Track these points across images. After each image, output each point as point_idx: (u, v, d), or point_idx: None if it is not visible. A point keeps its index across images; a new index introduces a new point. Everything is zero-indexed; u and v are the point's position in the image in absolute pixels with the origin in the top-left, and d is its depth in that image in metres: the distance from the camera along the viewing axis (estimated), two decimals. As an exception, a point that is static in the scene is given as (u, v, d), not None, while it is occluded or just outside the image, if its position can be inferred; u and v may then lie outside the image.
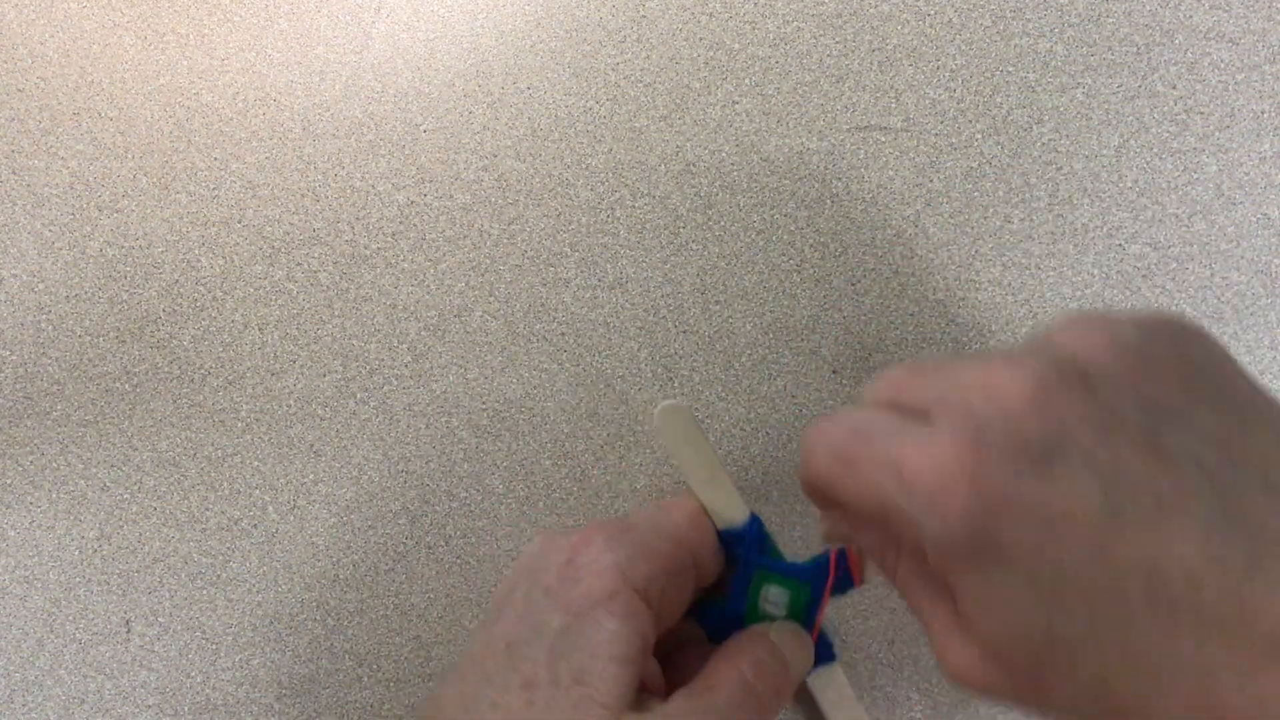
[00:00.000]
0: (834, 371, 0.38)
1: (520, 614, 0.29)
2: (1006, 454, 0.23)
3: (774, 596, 0.32)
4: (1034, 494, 0.22)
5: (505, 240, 0.39)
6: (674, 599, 0.30)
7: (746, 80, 0.39)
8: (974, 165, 0.39)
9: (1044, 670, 0.23)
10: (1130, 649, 0.22)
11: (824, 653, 0.33)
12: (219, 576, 0.38)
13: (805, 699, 0.34)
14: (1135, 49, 0.39)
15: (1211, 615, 0.21)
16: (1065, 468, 0.22)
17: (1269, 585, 0.21)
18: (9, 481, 0.38)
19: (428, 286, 0.38)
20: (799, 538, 0.37)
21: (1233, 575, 0.21)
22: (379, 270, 0.38)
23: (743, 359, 0.38)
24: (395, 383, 0.38)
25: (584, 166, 0.39)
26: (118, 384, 0.38)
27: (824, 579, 0.32)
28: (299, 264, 0.39)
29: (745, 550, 0.32)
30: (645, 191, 0.39)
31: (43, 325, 0.38)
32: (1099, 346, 0.24)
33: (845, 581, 0.32)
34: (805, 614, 0.32)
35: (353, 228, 0.39)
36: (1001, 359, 0.24)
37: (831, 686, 0.33)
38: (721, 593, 0.33)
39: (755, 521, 0.33)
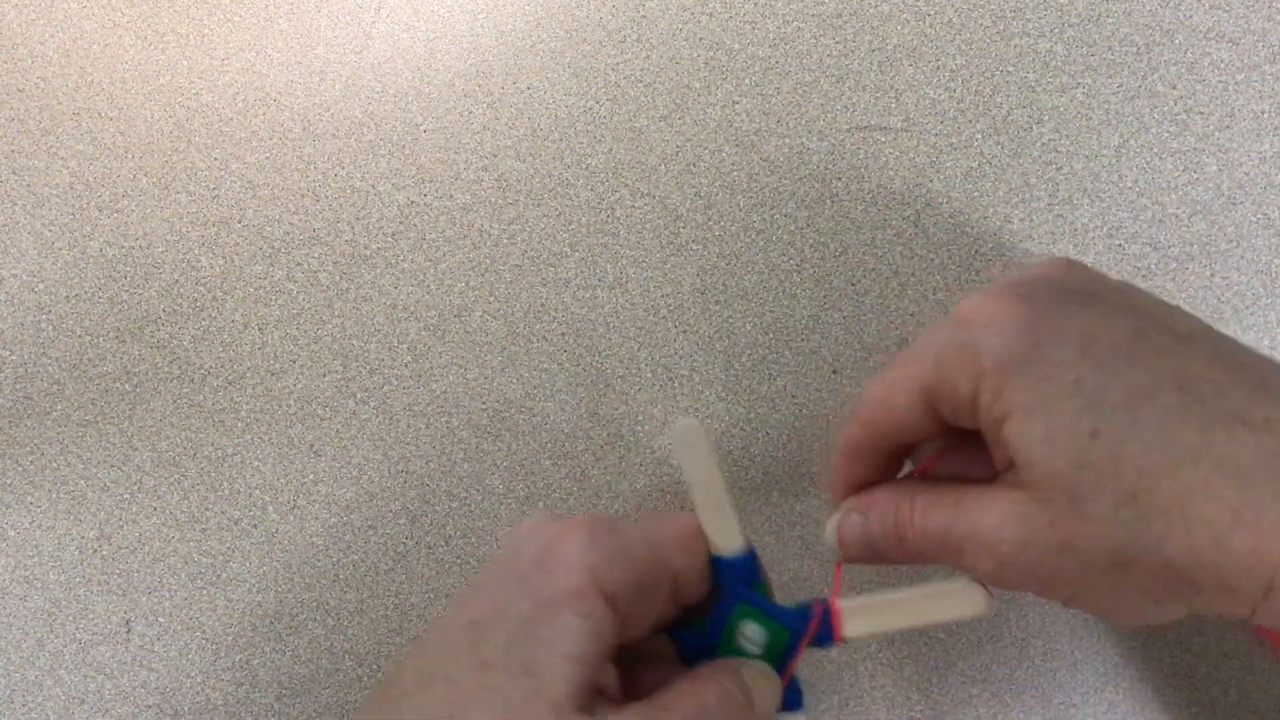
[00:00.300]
0: (834, 371, 0.38)
1: (491, 595, 0.29)
2: (1049, 291, 0.27)
3: (751, 633, 0.32)
4: (1074, 316, 0.27)
5: (505, 240, 0.39)
6: (645, 611, 0.30)
7: (746, 80, 0.39)
8: (974, 165, 0.39)
9: (1086, 477, 0.25)
10: (1170, 447, 0.24)
11: (792, 700, 0.32)
12: (219, 576, 0.38)
13: None
14: (1135, 49, 0.39)
15: (1240, 416, 0.24)
16: (1099, 305, 0.27)
17: None
18: (9, 481, 0.38)
19: (428, 286, 0.38)
20: (798, 538, 0.37)
21: (1252, 390, 0.25)
22: (379, 270, 0.38)
23: (743, 359, 0.38)
24: (395, 383, 0.38)
25: (584, 166, 0.39)
26: (118, 384, 0.38)
27: (804, 628, 0.31)
28: (299, 264, 0.39)
29: (733, 582, 0.32)
30: (645, 191, 0.39)
31: (43, 325, 0.38)
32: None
33: (825, 635, 0.31)
34: (779, 658, 0.32)
35: (353, 228, 0.39)
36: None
37: None
38: (701, 617, 0.32)
39: (750, 556, 0.32)
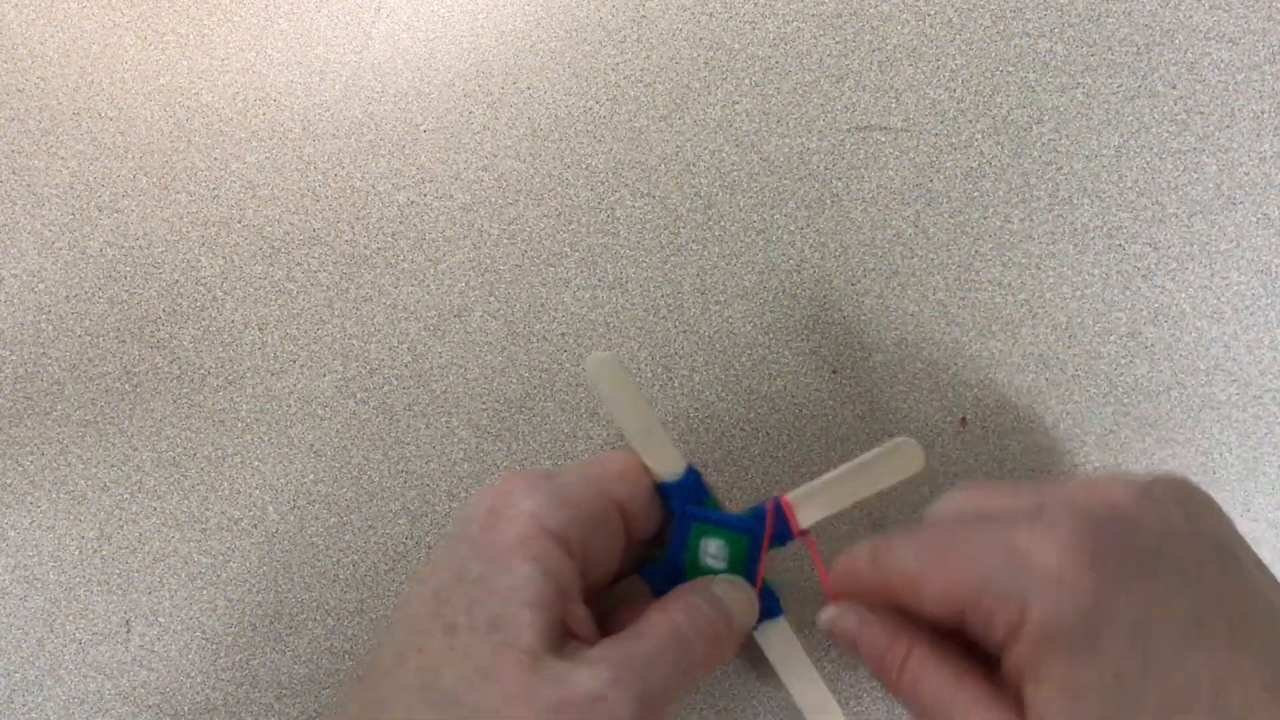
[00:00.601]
0: (834, 371, 0.38)
1: (446, 563, 0.29)
2: (1120, 550, 0.25)
3: (713, 549, 0.32)
4: (1139, 592, 0.25)
5: (505, 240, 0.39)
6: (601, 548, 0.31)
7: (746, 80, 0.39)
8: (974, 165, 0.39)
9: None
10: None
11: (771, 607, 0.33)
12: (219, 576, 0.38)
13: (755, 654, 0.34)
14: (1135, 49, 0.39)
15: None
16: (1165, 572, 0.25)
17: None
18: (9, 481, 0.38)
19: (428, 286, 0.38)
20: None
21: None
22: (379, 270, 0.38)
23: (743, 359, 0.38)
24: (395, 383, 0.38)
25: (584, 166, 0.39)
26: (118, 384, 0.38)
27: (761, 530, 0.32)
28: (299, 264, 0.39)
29: (681, 502, 0.32)
30: (645, 191, 0.39)
31: (43, 325, 0.38)
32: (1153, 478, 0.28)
33: (784, 532, 0.32)
34: (745, 566, 0.32)
35: (353, 228, 0.39)
36: (1095, 478, 0.27)
37: (778, 640, 0.33)
38: (662, 546, 0.33)
39: (692, 473, 0.33)
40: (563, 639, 0.28)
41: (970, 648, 0.28)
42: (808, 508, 0.32)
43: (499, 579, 0.28)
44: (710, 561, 0.32)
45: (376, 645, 0.30)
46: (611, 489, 0.31)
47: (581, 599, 0.30)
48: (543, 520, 0.29)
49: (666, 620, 0.29)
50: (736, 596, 0.31)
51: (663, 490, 0.33)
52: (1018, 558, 0.26)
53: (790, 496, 0.33)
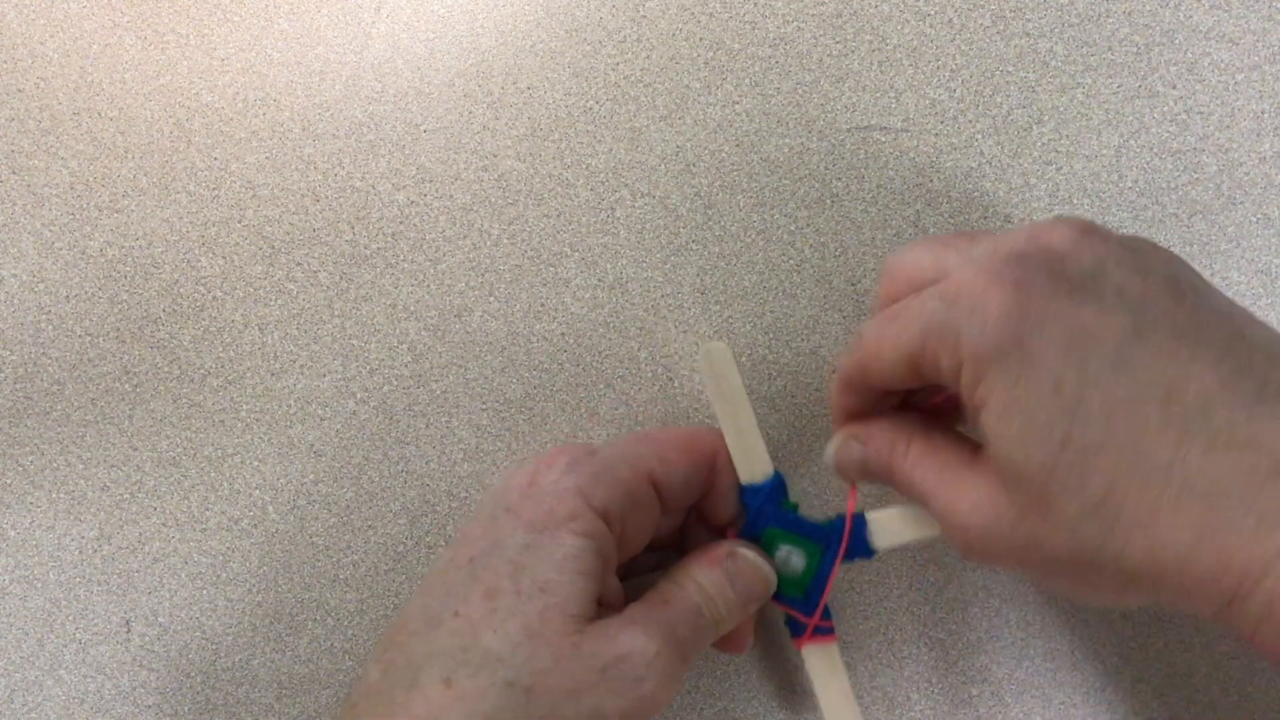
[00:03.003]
0: (834, 371, 0.38)
1: (483, 532, 0.30)
2: (1046, 274, 0.25)
3: (787, 555, 0.32)
4: (1067, 308, 0.25)
5: (505, 240, 0.39)
6: (636, 525, 0.31)
7: (746, 80, 0.39)
8: (974, 165, 0.39)
9: (1055, 483, 0.24)
10: (1142, 460, 0.24)
11: (826, 628, 0.33)
12: (219, 576, 0.38)
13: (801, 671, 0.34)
14: (1135, 49, 0.39)
15: (1222, 435, 0.23)
16: (1098, 294, 0.25)
17: (1274, 415, 0.23)
18: (9, 481, 0.38)
19: (428, 286, 0.38)
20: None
21: (1241, 404, 0.23)
22: (379, 270, 0.38)
23: (743, 359, 0.38)
24: (395, 383, 0.38)
25: (584, 166, 0.39)
26: (118, 384, 0.38)
27: (838, 542, 0.32)
28: (299, 264, 0.39)
29: (760, 507, 0.32)
30: (645, 191, 0.39)
31: (43, 325, 0.38)
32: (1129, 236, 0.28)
33: (861, 547, 0.32)
34: (817, 575, 0.32)
35: (353, 228, 0.39)
36: (1043, 220, 0.28)
37: (825, 665, 0.33)
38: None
39: (778, 479, 0.33)
40: (599, 609, 0.29)
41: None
42: (887, 529, 0.32)
43: (548, 548, 0.28)
44: (783, 568, 0.32)
45: (398, 615, 0.30)
46: (651, 468, 0.31)
47: (614, 572, 0.31)
48: (588, 496, 0.29)
49: (686, 592, 0.30)
50: (750, 573, 0.32)
51: (744, 491, 0.33)
52: (950, 292, 0.26)
53: (871, 516, 0.32)
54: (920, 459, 0.29)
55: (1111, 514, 0.24)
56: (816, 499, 0.38)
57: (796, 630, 0.33)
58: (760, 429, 0.33)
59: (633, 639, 0.28)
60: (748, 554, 0.32)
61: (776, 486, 0.33)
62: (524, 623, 0.27)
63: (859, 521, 0.32)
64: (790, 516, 0.33)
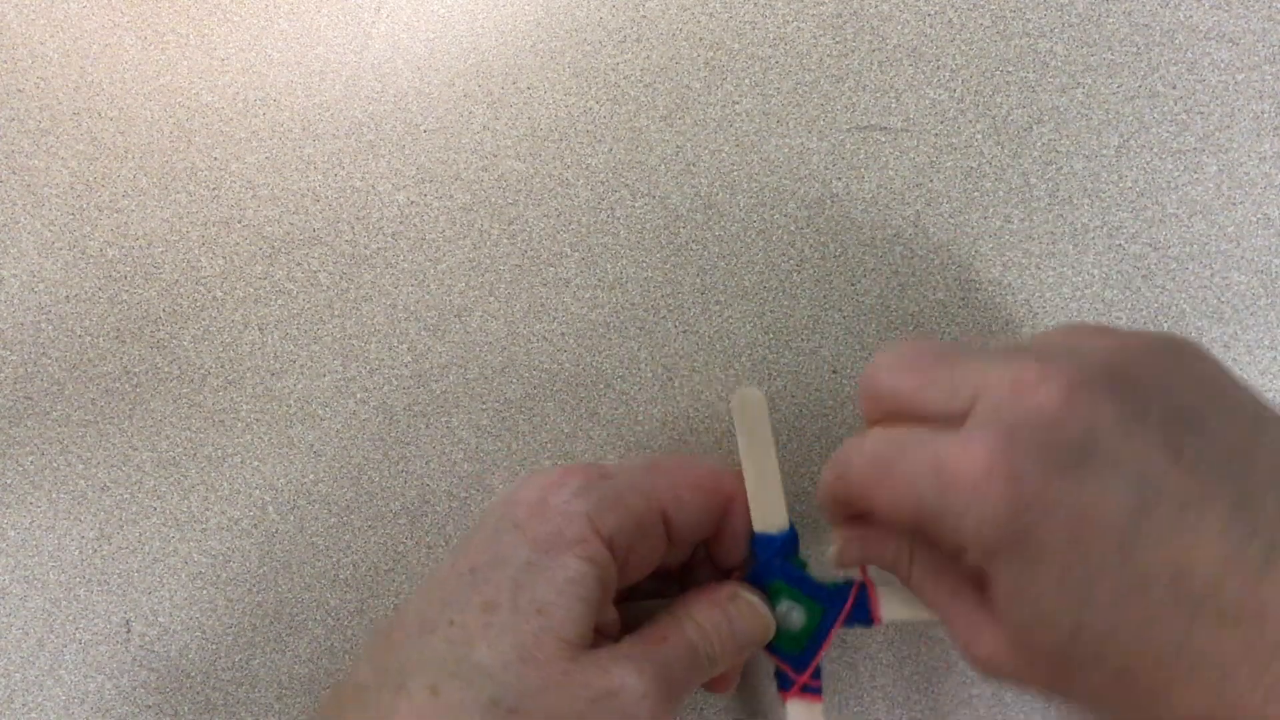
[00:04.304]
0: (834, 371, 0.38)
1: (487, 543, 0.30)
2: (1040, 455, 0.25)
3: (788, 610, 0.32)
4: (1067, 494, 0.24)
5: (505, 240, 0.39)
6: (641, 555, 0.31)
7: (746, 80, 0.39)
8: (974, 165, 0.39)
9: (1070, 660, 0.25)
10: (1154, 642, 0.24)
11: (815, 688, 0.32)
12: (219, 576, 0.38)
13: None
14: (1135, 49, 0.39)
15: (1230, 611, 0.23)
16: (1096, 470, 0.24)
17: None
18: (9, 481, 0.38)
19: (428, 286, 0.38)
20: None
21: (1249, 575, 0.23)
22: (379, 270, 0.38)
23: (743, 359, 0.38)
24: (395, 383, 0.38)
25: (584, 166, 0.39)
26: (118, 384, 0.38)
27: (840, 606, 0.32)
28: (299, 264, 0.39)
29: (769, 558, 0.32)
30: (645, 191, 0.39)
31: (43, 325, 0.38)
32: (1118, 351, 0.26)
33: (863, 615, 0.32)
34: (814, 635, 0.32)
35: (353, 228, 0.39)
36: (1028, 360, 0.26)
37: None
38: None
39: (791, 533, 0.32)
40: (595, 636, 0.29)
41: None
42: (893, 602, 0.32)
43: (551, 569, 0.28)
44: (782, 621, 0.32)
45: (394, 614, 0.30)
46: (662, 502, 0.31)
47: (612, 601, 0.30)
48: (596, 521, 0.29)
49: (684, 631, 0.30)
50: (751, 618, 0.31)
51: (757, 539, 0.32)
52: (945, 476, 0.26)
53: (882, 588, 0.32)
54: (926, 579, 0.29)
55: (1128, 686, 0.25)
56: (817, 498, 0.38)
57: (784, 683, 0.33)
58: (784, 482, 0.33)
59: (625, 675, 0.27)
60: (752, 599, 0.32)
61: (789, 540, 0.32)
62: (517, 641, 0.27)
63: (863, 592, 0.32)
64: (797, 573, 0.32)
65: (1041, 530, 0.24)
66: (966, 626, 0.28)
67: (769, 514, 0.32)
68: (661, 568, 0.33)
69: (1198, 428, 0.25)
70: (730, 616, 0.31)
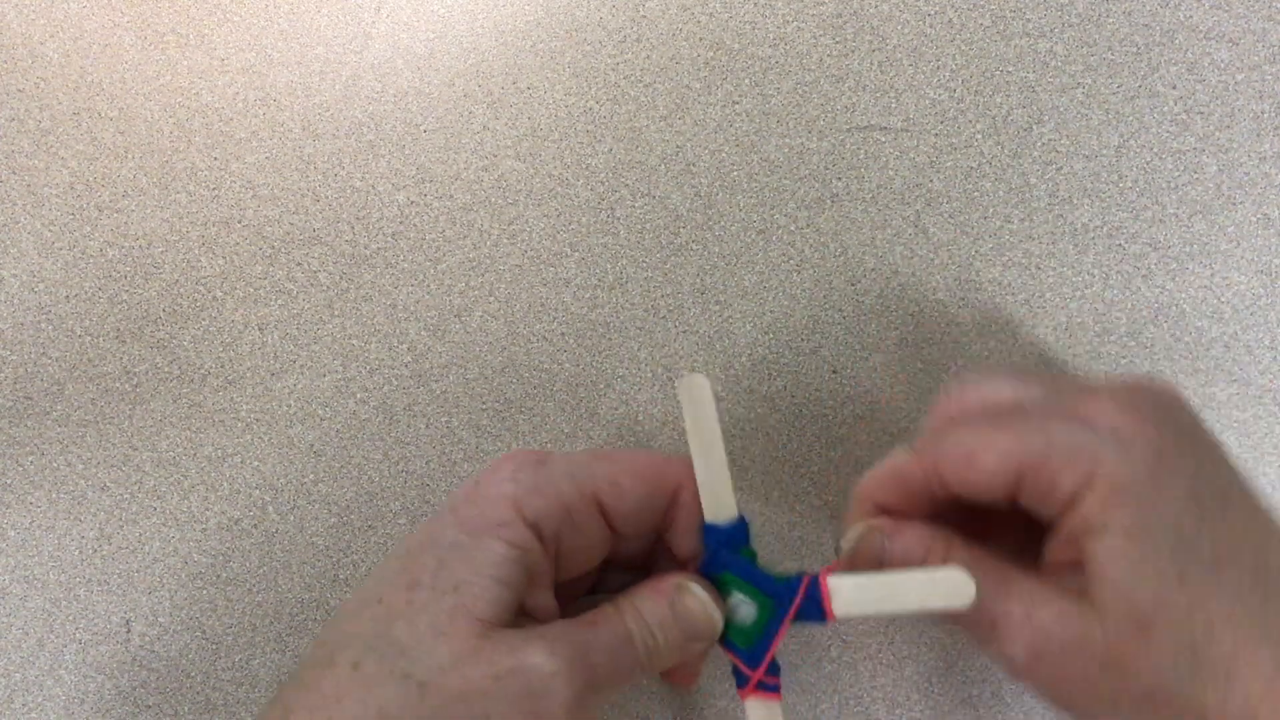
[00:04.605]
0: (834, 371, 0.38)
1: (426, 526, 0.30)
2: (1171, 423, 0.28)
3: (738, 604, 0.31)
4: (1189, 456, 0.27)
5: (505, 240, 0.39)
6: (576, 544, 0.31)
7: (746, 80, 0.39)
8: (974, 165, 0.39)
9: (1161, 616, 0.26)
10: (1238, 605, 0.26)
11: (771, 685, 0.31)
12: (219, 576, 0.38)
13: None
14: (1135, 49, 0.39)
15: None
16: (1206, 450, 0.28)
17: None
18: (9, 481, 0.38)
19: (428, 286, 0.38)
20: (798, 538, 0.37)
21: None
22: (379, 270, 0.38)
23: (743, 359, 0.38)
24: (395, 383, 0.38)
25: (584, 166, 0.39)
26: (118, 384, 0.38)
27: (789, 600, 0.31)
28: (299, 264, 0.39)
29: (717, 549, 0.32)
30: (645, 191, 0.39)
31: (43, 325, 0.38)
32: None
33: (813, 610, 0.30)
34: (766, 629, 0.31)
35: (353, 228, 0.39)
36: (1135, 376, 0.31)
37: None
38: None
39: (741, 524, 0.32)
40: (520, 619, 0.29)
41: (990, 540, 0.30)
42: (846, 598, 0.30)
43: (470, 549, 0.29)
44: (732, 615, 0.31)
45: (352, 592, 0.31)
46: (597, 490, 0.31)
47: (551, 588, 0.30)
48: (522, 506, 0.30)
49: (622, 619, 0.30)
50: (696, 610, 0.31)
51: (707, 530, 0.32)
52: (1085, 421, 0.28)
53: (831, 581, 0.30)
54: (973, 565, 0.29)
55: (1201, 656, 0.26)
56: (816, 498, 0.38)
57: (740, 681, 0.32)
58: (732, 467, 0.32)
59: (536, 654, 0.27)
60: (698, 591, 0.31)
61: (736, 531, 0.32)
62: (432, 619, 0.28)
63: (814, 585, 0.30)
64: (745, 565, 0.31)
65: (1170, 478, 0.27)
66: (1026, 597, 0.28)
67: (717, 502, 0.32)
68: (620, 560, 0.33)
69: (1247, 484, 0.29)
70: (675, 607, 0.30)
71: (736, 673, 0.32)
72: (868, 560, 0.30)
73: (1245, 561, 0.26)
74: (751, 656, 0.31)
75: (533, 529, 0.29)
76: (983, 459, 0.28)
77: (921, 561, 0.29)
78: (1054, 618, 0.27)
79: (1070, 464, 0.27)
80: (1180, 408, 0.29)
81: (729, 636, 0.31)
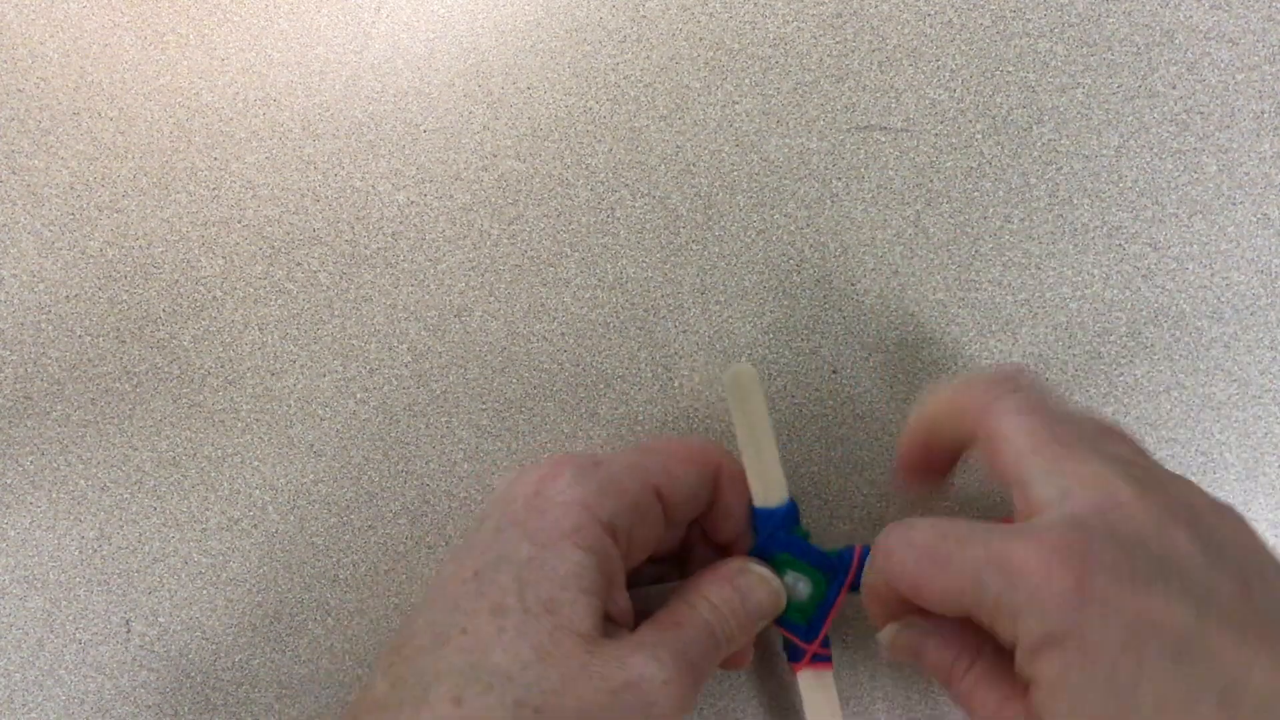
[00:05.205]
0: (834, 371, 0.38)
1: (488, 544, 0.29)
2: (1116, 563, 0.25)
3: (794, 582, 0.32)
4: (1133, 600, 0.25)
5: (505, 240, 0.39)
6: (641, 538, 0.31)
7: (746, 80, 0.39)
8: (974, 165, 0.39)
9: None
10: None
11: (824, 656, 0.33)
12: (219, 576, 0.38)
13: (794, 693, 0.34)
14: (1135, 49, 0.39)
15: None
16: (1165, 583, 0.25)
17: None
18: (9, 481, 0.38)
19: (428, 286, 0.38)
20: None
21: None
22: (379, 270, 0.38)
23: (742, 359, 0.38)
24: (395, 383, 0.38)
25: (584, 166, 0.39)
26: (118, 384, 0.38)
27: (844, 573, 0.32)
28: (299, 264, 0.39)
29: (772, 532, 0.32)
30: (645, 191, 0.39)
31: (43, 325, 0.38)
32: (1197, 495, 0.28)
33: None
34: (822, 604, 0.32)
35: (353, 228, 0.39)
36: (1119, 479, 0.27)
37: (821, 693, 0.33)
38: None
39: (792, 506, 0.33)
40: (607, 624, 0.29)
41: None
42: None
43: (554, 564, 0.28)
44: (790, 591, 0.32)
45: (404, 625, 0.30)
46: (656, 481, 0.31)
47: (625, 588, 0.30)
48: (594, 509, 0.29)
49: (699, 613, 0.30)
50: (762, 591, 0.31)
51: (756, 514, 0.33)
52: (1008, 567, 0.26)
53: None
54: (981, 681, 0.28)
55: None
56: (816, 498, 0.38)
57: (795, 655, 0.33)
58: (781, 457, 0.32)
59: (645, 664, 0.28)
60: (761, 571, 0.32)
61: (790, 513, 0.33)
62: (534, 643, 0.27)
63: (866, 554, 0.32)
64: (800, 544, 0.33)
65: (1098, 628, 0.24)
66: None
67: (769, 488, 0.32)
68: (657, 553, 0.33)
69: (1262, 576, 0.26)
70: (741, 591, 0.31)
71: (790, 648, 0.33)
72: (906, 653, 0.30)
73: (1207, 701, 0.24)
74: (807, 631, 0.33)
75: (607, 530, 0.29)
76: (927, 595, 0.28)
77: (949, 668, 0.29)
78: None
79: (999, 618, 0.26)
80: (1145, 536, 0.26)
81: (785, 614, 0.32)
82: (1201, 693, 0.24)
